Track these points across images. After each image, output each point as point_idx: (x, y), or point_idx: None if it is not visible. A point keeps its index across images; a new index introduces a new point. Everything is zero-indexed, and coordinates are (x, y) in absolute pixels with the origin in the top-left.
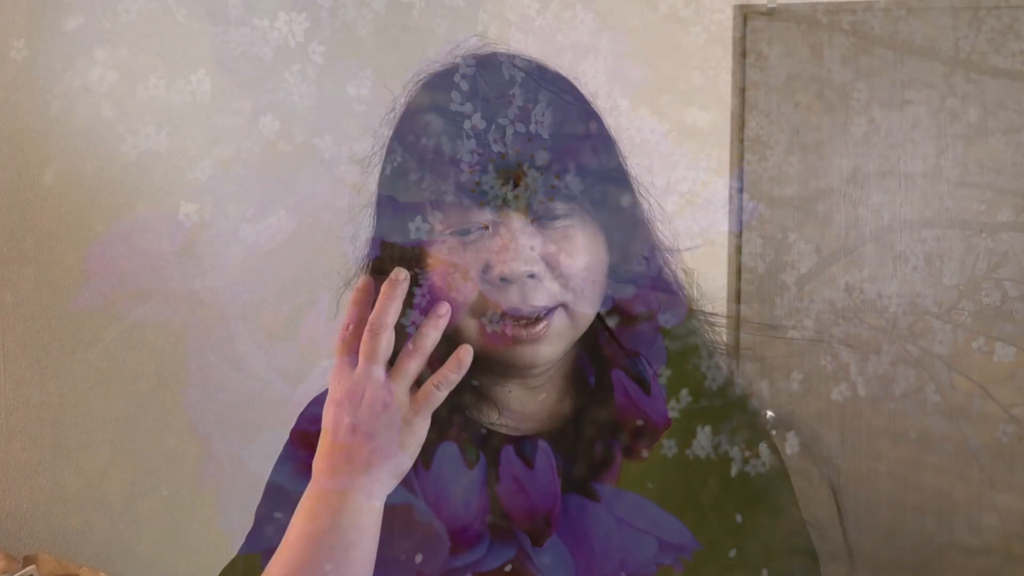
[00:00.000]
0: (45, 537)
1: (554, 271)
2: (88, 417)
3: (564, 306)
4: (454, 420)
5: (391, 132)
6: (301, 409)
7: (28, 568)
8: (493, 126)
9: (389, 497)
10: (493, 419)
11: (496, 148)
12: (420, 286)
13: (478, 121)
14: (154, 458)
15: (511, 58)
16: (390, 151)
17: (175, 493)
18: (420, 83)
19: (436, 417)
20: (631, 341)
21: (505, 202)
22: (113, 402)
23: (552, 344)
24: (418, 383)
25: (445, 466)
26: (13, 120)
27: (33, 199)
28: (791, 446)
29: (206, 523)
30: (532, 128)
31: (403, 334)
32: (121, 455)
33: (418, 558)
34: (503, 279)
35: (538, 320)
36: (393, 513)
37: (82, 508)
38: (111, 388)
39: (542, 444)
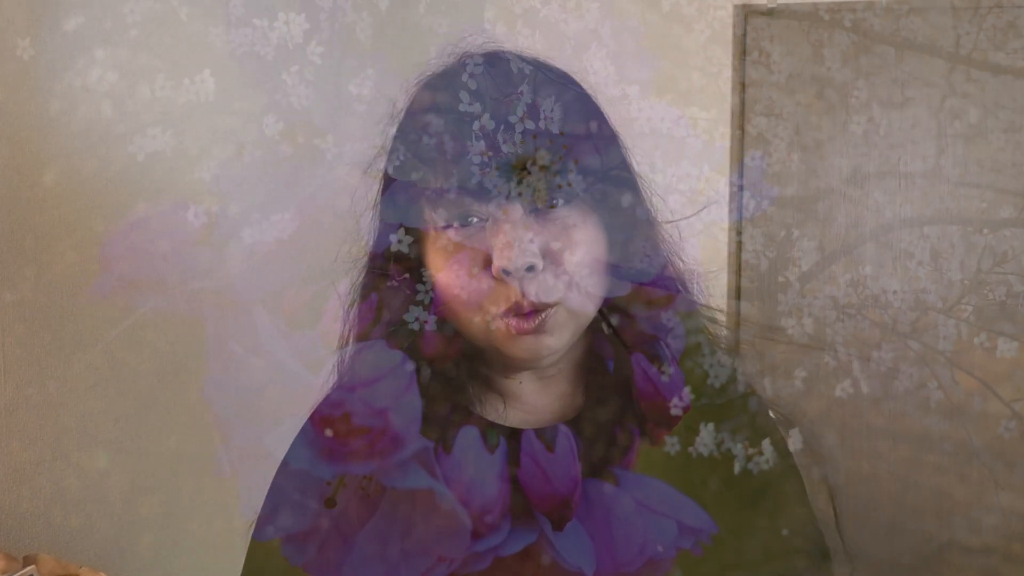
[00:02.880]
0: (45, 537)
1: (555, 263)
2: (88, 417)
3: (564, 300)
4: (455, 419)
5: (395, 130)
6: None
7: (28, 568)
8: (503, 126)
9: (410, 482)
10: (500, 411)
11: (507, 148)
12: (424, 283)
13: (487, 122)
14: (154, 458)
15: (519, 56)
16: (394, 148)
17: (175, 493)
18: (423, 81)
19: (436, 413)
20: (650, 326)
21: (508, 197)
22: (113, 402)
23: (555, 335)
24: (441, 366)
25: (466, 451)
26: (13, 120)
27: (33, 199)
28: (794, 443)
29: (206, 523)
30: (541, 125)
31: (408, 332)
32: (121, 455)
33: (439, 544)
34: (505, 271)
35: (537, 313)
36: (414, 498)
37: (82, 508)
38: (111, 388)
39: (562, 428)
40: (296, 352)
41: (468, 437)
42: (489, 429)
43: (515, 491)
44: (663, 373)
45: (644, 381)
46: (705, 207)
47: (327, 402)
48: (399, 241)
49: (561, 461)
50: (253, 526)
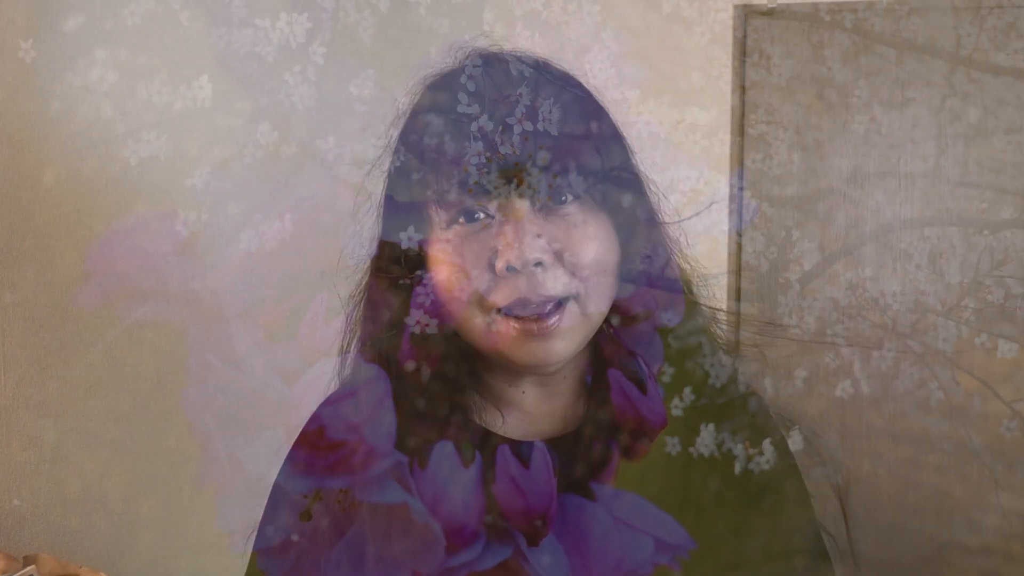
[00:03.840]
0: (45, 537)
1: (562, 260)
2: (88, 417)
3: (575, 299)
4: (453, 420)
5: (396, 133)
6: (299, 407)
7: (28, 568)
8: (500, 127)
9: (385, 496)
10: (498, 424)
11: (504, 150)
12: (423, 285)
13: (485, 123)
14: (154, 458)
15: (517, 56)
16: (394, 151)
17: (175, 493)
18: (424, 83)
19: (435, 416)
20: (628, 340)
21: (507, 198)
22: (113, 402)
23: (565, 340)
24: (419, 377)
25: (441, 465)
26: (13, 120)
27: (33, 199)
28: (795, 443)
29: (206, 523)
30: (540, 126)
31: (385, 345)
32: (121, 455)
33: (414, 558)
34: (510, 268)
35: (549, 314)
36: (389, 512)
37: (82, 508)
38: (111, 388)
39: (538, 444)
40: (277, 363)
41: (443, 452)
42: (465, 443)
43: (490, 506)
44: (640, 388)
45: (621, 396)
46: (711, 204)
47: (312, 419)
48: (409, 239)
49: (536, 477)
50: (253, 535)
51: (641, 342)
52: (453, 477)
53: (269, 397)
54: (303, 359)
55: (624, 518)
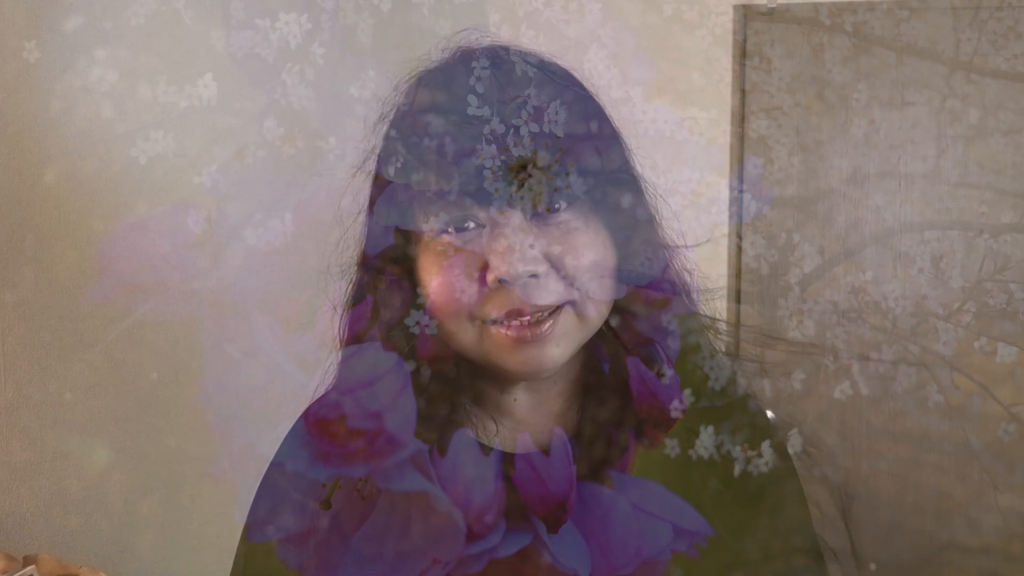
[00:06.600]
0: (45, 537)
1: (558, 270)
2: (88, 417)
3: (572, 305)
4: (451, 421)
5: (389, 129)
6: (318, 395)
7: (28, 568)
8: (511, 130)
9: (405, 484)
10: (492, 433)
11: (516, 152)
12: (424, 286)
13: (497, 126)
14: (154, 458)
15: (521, 54)
16: (390, 149)
17: (175, 493)
18: (419, 78)
19: (433, 414)
20: (646, 328)
21: (509, 202)
22: (113, 402)
23: (560, 346)
24: (419, 376)
25: (461, 453)
26: (13, 120)
27: (33, 199)
28: (793, 445)
29: (206, 523)
30: (545, 128)
31: (408, 335)
32: (121, 455)
33: (434, 546)
34: (503, 280)
35: (543, 320)
36: (409, 500)
37: (82, 508)
38: (111, 388)
39: (557, 431)
40: (292, 354)
41: (463, 439)
42: (484, 432)
43: (510, 493)
44: (660, 376)
45: (640, 384)
46: (708, 239)
47: (322, 404)
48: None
49: (556, 463)
50: (246, 528)
51: (659, 330)
52: (473, 465)
53: (288, 387)
54: (322, 347)
55: (642, 505)
